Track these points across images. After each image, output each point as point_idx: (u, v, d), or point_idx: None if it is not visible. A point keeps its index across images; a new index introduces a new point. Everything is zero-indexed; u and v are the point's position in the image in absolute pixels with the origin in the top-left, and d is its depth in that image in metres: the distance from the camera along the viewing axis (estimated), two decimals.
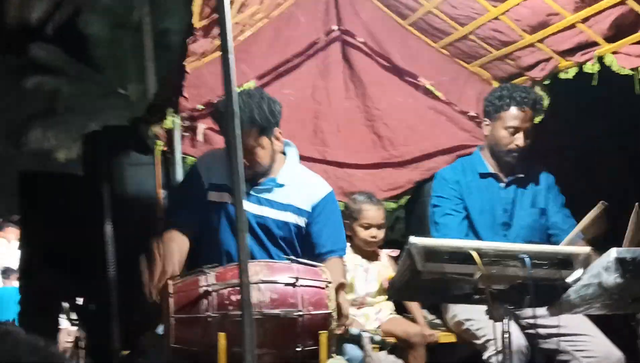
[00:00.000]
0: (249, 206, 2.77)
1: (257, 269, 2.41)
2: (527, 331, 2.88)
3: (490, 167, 3.30)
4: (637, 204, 2.66)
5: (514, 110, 3.17)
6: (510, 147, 3.19)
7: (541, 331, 2.78)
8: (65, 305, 3.90)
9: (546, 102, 3.46)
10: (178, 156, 3.35)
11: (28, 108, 15.67)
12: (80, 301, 3.87)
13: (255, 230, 2.79)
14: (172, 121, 3.29)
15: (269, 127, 2.77)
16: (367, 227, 3.37)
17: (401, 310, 3.37)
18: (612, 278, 2.33)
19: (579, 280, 2.37)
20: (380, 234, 3.39)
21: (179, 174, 3.32)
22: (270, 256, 2.79)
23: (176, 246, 2.69)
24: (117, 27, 15.27)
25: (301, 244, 2.87)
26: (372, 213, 3.37)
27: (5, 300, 7.93)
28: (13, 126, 15.75)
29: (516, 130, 3.17)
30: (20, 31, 14.65)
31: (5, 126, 15.98)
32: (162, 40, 14.50)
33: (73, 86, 15.52)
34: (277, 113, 2.79)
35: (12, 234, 8.52)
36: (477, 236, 3.20)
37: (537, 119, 3.31)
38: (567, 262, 2.36)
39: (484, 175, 3.30)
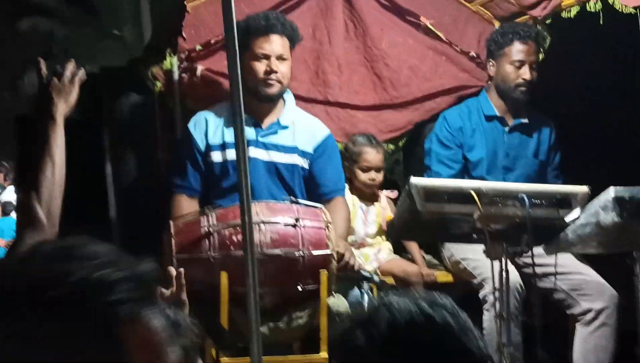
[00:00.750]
0: (257, 153, 2.83)
1: (257, 209, 2.44)
2: (523, 270, 2.92)
3: (496, 109, 3.30)
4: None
5: (517, 44, 3.18)
6: (518, 81, 3.20)
7: (537, 270, 2.81)
8: None
9: (547, 41, 3.44)
10: (177, 96, 3.33)
11: (23, 52, 15.52)
12: None
13: (266, 176, 2.83)
14: (171, 61, 3.26)
15: (295, 41, 2.90)
16: (366, 170, 3.37)
17: (400, 250, 3.41)
18: (609, 217, 2.36)
19: (577, 219, 2.40)
20: (379, 176, 3.39)
21: (178, 115, 3.30)
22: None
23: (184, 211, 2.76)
24: None
25: (305, 185, 2.92)
26: (372, 155, 3.37)
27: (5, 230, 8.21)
28: (8, 70, 15.61)
29: (521, 63, 3.18)
30: None
31: (1, 70, 15.85)
32: None
33: (67, 29, 15.34)
34: (297, 32, 2.93)
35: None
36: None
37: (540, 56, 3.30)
38: (565, 201, 2.39)
39: (489, 118, 3.30)
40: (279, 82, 2.80)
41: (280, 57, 2.80)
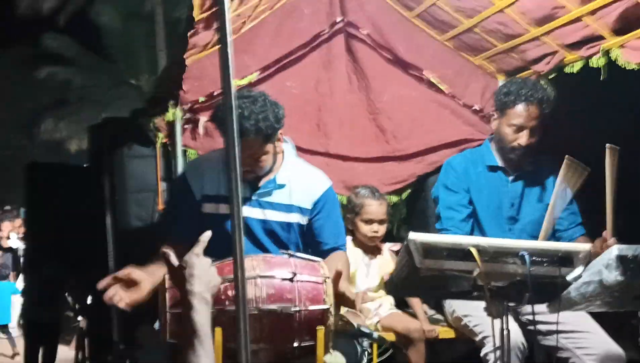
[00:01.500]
0: (252, 212, 2.74)
1: (254, 264, 2.39)
2: (527, 327, 2.85)
3: (499, 160, 3.26)
4: (607, 145, 2.62)
5: (519, 107, 3.10)
6: (513, 145, 3.13)
7: (541, 327, 2.75)
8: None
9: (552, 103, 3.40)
10: (179, 148, 3.34)
11: (40, 99, 15.75)
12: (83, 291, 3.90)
13: (261, 235, 2.76)
14: (173, 113, 3.28)
15: (274, 133, 2.69)
16: (369, 222, 3.34)
17: (402, 304, 3.35)
18: (613, 276, 2.30)
19: (579, 277, 2.34)
20: (382, 229, 3.36)
21: (180, 167, 3.31)
22: None
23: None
24: (129, 17, 15.29)
25: (304, 242, 2.84)
26: (374, 208, 3.34)
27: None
28: (26, 116, 15.83)
29: (520, 128, 3.11)
30: (32, 22, 14.71)
31: (18, 117, 16.06)
32: (174, 30, 14.50)
33: (85, 77, 15.56)
34: (282, 118, 2.70)
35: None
36: (482, 229, 3.17)
37: None
38: (567, 259, 2.33)
39: (492, 168, 3.26)
40: (254, 171, 2.71)
41: (255, 157, 2.67)
